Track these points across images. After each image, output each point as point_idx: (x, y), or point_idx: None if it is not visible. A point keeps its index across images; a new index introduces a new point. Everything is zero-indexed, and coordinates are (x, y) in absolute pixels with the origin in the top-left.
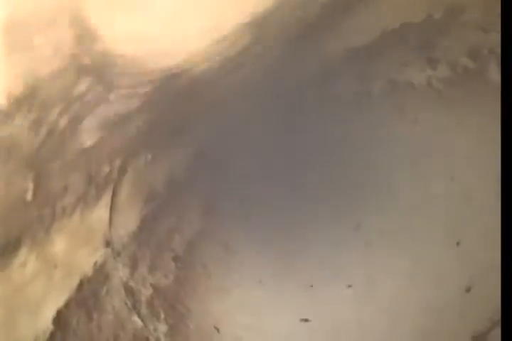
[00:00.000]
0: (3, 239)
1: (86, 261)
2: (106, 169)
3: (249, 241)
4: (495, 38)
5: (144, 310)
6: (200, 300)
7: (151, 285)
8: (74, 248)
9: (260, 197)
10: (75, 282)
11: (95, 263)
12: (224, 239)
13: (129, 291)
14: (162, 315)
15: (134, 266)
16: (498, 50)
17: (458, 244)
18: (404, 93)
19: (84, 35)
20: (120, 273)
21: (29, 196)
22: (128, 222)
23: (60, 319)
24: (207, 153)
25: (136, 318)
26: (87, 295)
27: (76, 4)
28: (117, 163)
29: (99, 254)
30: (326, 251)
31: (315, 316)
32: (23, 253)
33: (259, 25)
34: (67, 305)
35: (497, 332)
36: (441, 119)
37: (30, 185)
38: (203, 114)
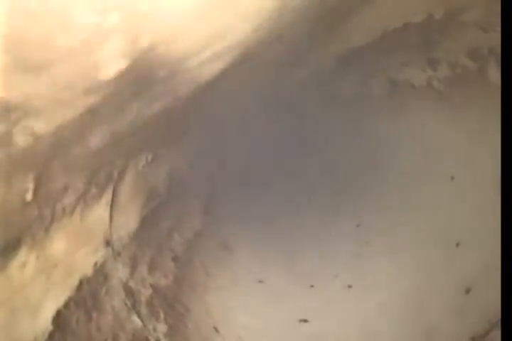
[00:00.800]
0: (3, 239)
1: (86, 261)
2: (106, 169)
3: (249, 241)
4: (495, 38)
5: (143, 310)
6: (200, 300)
7: (151, 285)
8: (74, 248)
9: (260, 197)
10: (74, 282)
11: (95, 264)
12: (224, 239)
13: (129, 291)
14: (161, 315)
15: (133, 266)
16: (498, 50)
17: (457, 245)
18: (404, 93)
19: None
20: (120, 273)
21: (29, 196)
22: (128, 221)
23: (59, 319)
24: (207, 154)
25: (135, 318)
26: (87, 295)
27: None
28: (118, 162)
29: (100, 254)
30: (326, 250)
31: (314, 316)
32: (22, 253)
33: (260, 26)
34: (66, 305)
35: (496, 334)
36: (441, 120)
37: (31, 185)
38: (203, 115)
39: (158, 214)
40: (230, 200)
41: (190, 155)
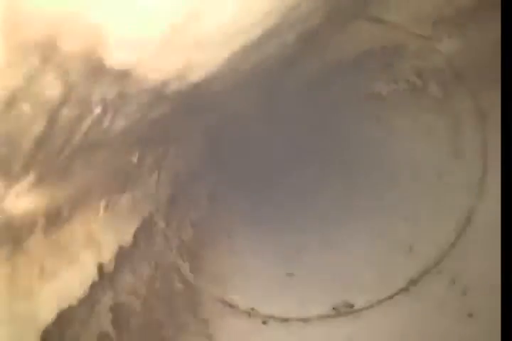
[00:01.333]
0: (115, 187)
1: (144, 208)
2: (155, 154)
3: (250, 231)
4: (431, 63)
5: (175, 252)
6: (211, 259)
7: (178, 238)
8: (142, 199)
9: (264, 191)
10: (141, 220)
11: (149, 212)
12: (226, 227)
13: (166, 237)
14: (186, 259)
15: (167, 224)
16: (436, 71)
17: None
18: (377, 102)
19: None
20: (160, 224)
21: (134, 161)
22: (162, 195)
23: (135, 238)
24: (215, 149)
25: (170, 255)
26: (146, 229)
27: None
28: (160, 150)
29: (151, 207)
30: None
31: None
32: (126, 197)
33: (254, 39)
34: (135, 234)
35: None
36: (404, 125)
37: (135, 158)
38: (204, 115)
39: (179, 195)
40: (233, 192)
41: (201, 150)
